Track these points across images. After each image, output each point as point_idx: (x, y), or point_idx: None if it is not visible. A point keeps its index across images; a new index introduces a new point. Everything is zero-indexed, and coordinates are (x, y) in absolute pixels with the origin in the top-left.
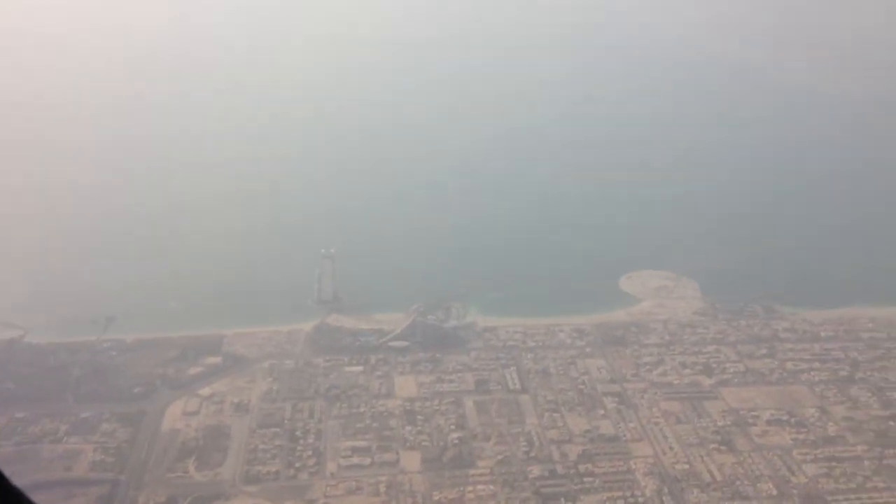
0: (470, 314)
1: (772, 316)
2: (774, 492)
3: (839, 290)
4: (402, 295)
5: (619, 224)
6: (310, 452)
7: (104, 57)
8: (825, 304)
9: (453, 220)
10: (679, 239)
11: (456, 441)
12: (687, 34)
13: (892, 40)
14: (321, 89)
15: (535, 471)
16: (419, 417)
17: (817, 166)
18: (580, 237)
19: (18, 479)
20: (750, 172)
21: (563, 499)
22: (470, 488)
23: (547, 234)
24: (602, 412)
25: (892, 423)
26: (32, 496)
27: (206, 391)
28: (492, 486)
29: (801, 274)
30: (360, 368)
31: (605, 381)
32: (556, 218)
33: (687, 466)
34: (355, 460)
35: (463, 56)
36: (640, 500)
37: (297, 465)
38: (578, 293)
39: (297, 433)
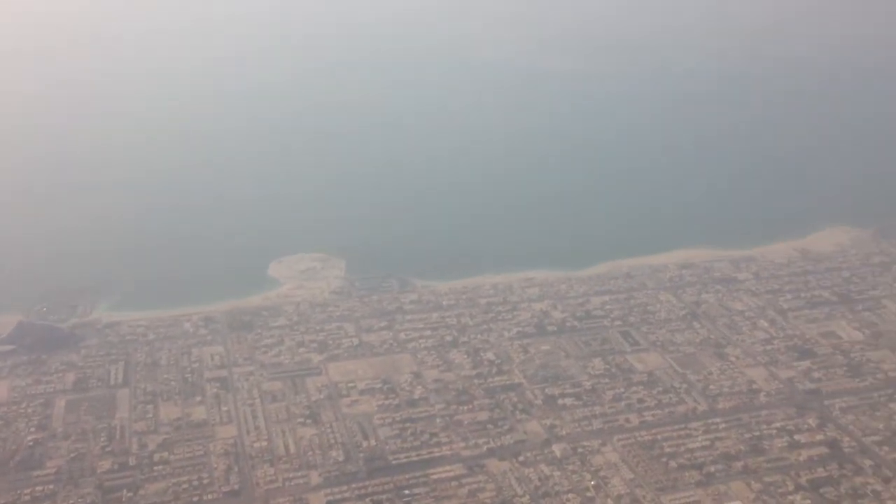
0: (98, 310)
1: (405, 289)
2: (342, 458)
3: (473, 261)
4: (25, 295)
5: (272, 209)
6: None
7: None
8: (458, 275)
9: (89, 214)
10: (334, 220)
11: (30, 443)
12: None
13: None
14: None
15: (105, 465)
16: None
17: (460, 147)
18: (230, 224)
19: None
20: (409, 154)
21: (125, 490)
22: (28, 490)
23: (195, 220)
24: (199, 399)
25: (475, 381)
26: None
27: None
28: (52, 486)
29: (440, 248)
30: None
31: (215, 367)
32: (205, 205)
33: (266, 443)
34: None
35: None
36: (206, 481)
37: None
38: (222, 281)
39: None
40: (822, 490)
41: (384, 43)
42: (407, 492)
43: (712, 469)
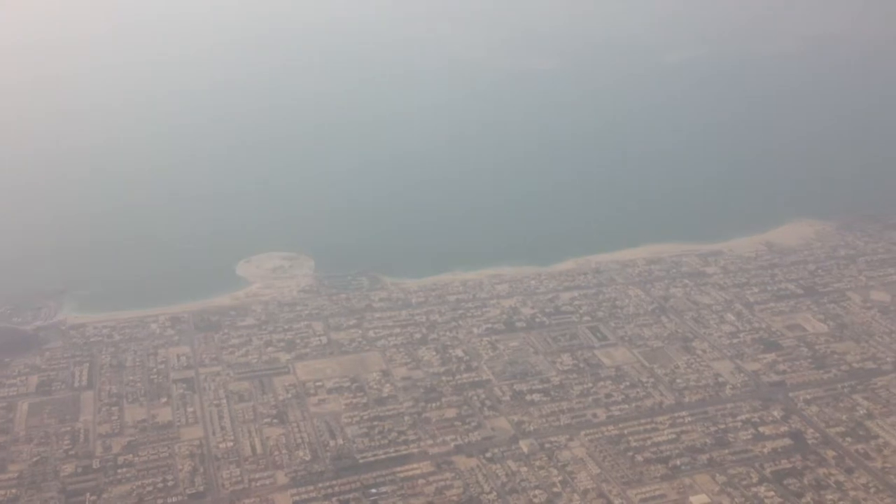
0: (63, 312)
1: (375, 287)
2: (308, 457)
3: (442, 259)
4: None
5: (241, 208)
6: None
7: None
8: (428, 273)
9: (54, 214)
10: (303, 219)
11: None
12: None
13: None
14: None
15: (69, 468)
16: None
17: (431, 146)
18: (198, 223)
19: None
20: (379, 153)
21: (88, 493)
22: None
23: (162, 220)
24: (165, 400)
25: (444, 378)
26: None
27: None
28: (14, 490)
29: (410, 246)
30: None
31: (181, 368)
32: (173, 204)
33: (231, 444)
34: None
35: None
36: (171, 483)
37: None
38: (189, 282)
39: None
40: (785, 481)
41: (362, 42)
42: (374, 490)
43: (678, 462)
